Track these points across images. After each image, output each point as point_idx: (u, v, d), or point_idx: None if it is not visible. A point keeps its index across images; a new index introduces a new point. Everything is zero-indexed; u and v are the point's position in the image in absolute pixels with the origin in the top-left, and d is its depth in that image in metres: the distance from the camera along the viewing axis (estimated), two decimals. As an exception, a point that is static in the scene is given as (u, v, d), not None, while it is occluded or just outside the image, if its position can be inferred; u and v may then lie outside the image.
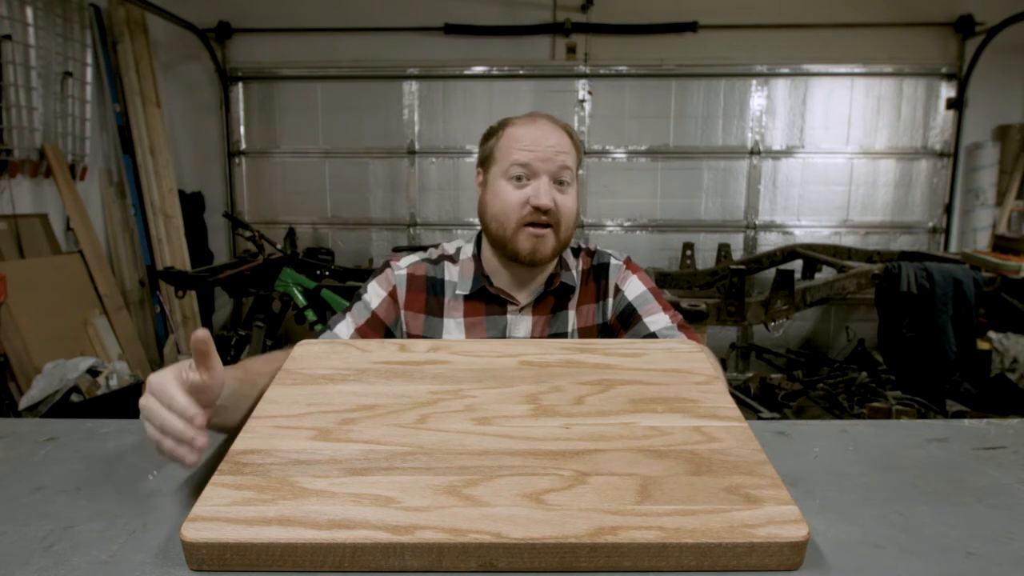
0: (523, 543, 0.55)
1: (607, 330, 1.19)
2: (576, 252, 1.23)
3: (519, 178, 1.08)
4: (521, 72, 4.21)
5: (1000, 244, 3.89)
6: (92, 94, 3.67)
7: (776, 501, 0.60)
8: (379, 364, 0.88)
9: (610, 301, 1.19)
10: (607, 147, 4.28)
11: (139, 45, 3.84)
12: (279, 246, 3.49)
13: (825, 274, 3.46)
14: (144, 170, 3.86)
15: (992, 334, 3.38)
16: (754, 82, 4.18)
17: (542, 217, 1.07)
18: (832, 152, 4.22)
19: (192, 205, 4.30)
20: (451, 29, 4.13)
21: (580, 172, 1.45)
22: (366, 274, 2.68)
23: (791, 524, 0.57)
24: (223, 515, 0.58)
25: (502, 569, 0.56)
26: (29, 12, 3.20)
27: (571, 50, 4.14)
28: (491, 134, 1.16)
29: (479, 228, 1.18)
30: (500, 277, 1.16)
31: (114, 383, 3.08)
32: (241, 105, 4.35)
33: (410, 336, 1.15)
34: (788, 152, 4.24)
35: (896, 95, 4.17)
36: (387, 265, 1.18)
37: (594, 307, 1.19)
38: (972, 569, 0.58)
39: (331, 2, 4.17)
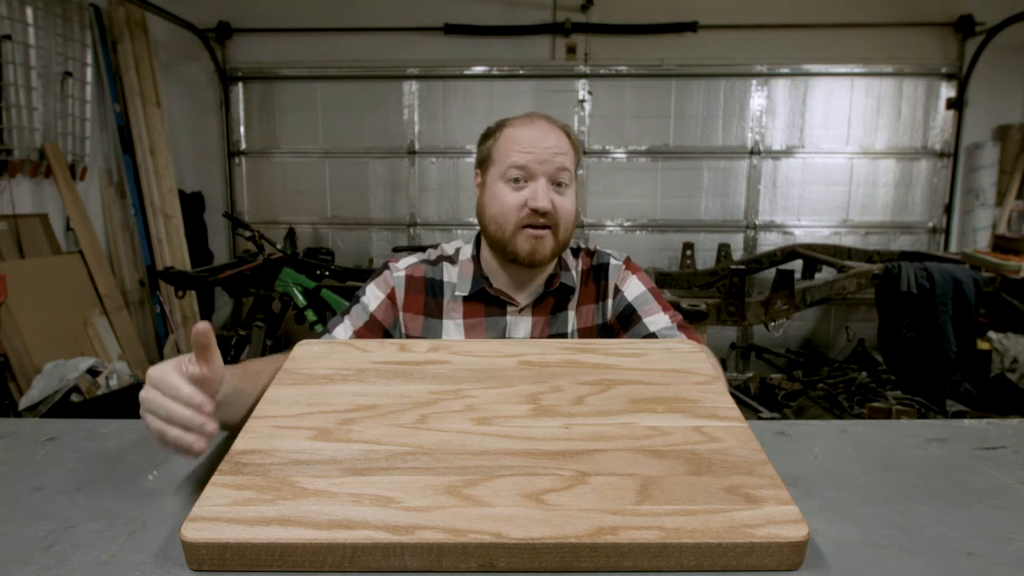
0: (523, 543, 0.55)
1: (607, 330, 1.18)
2: (576, 252, 1.23)
3: (517, 180, 1.08)
4: (521, 72, 4.21)
5: (1000, 244, 3.89)
6: (92, 94, 3.67)
7: (776, 501, 0.60)
8: (379, 364, 0.88)
9: (610, 301, 1.19)
10: (607, 147, 4.27)
11: (139, 45, 3.84)
12: (279, 246, 3.49)
13: (825, 274, 3.46)
14: (144, 170, 3.86)
15: (992, 334, 3.37)
16: (754, 82, 4.18)
17: (540, 219, 1.07)
18: (832, 152, 4.22)
19: (192, 205, 4.30)
20: (451, 29, 4.13)
21: (579, 172, 1.45)
22: (366, 274, 2.68)
23: (791, 524, 0.57)
24: (223, 515, 0.58)
25: (502, 569, 0.56)
26: (29, 12, 3.20)
27: (571, 50, 4.14)
28: (488, 135, 1.16)
29: (478, 228, 1.17)
30: (499, 278, 1.15)
31: (114, 383, 3.08)
32: (241, 105, 4.35)
33: (409, 338, 1.15)
34: (788, 152, 4.24)
35: (896, 95, 4.16)
36: (385, 267, 1.18)
37: (594, 307, 1.18)
38: (972, 569, 0.58)
39: (331, 2, 4.17)
